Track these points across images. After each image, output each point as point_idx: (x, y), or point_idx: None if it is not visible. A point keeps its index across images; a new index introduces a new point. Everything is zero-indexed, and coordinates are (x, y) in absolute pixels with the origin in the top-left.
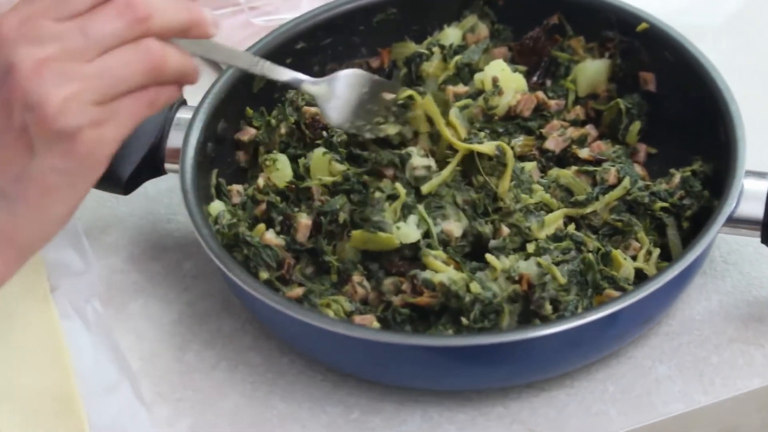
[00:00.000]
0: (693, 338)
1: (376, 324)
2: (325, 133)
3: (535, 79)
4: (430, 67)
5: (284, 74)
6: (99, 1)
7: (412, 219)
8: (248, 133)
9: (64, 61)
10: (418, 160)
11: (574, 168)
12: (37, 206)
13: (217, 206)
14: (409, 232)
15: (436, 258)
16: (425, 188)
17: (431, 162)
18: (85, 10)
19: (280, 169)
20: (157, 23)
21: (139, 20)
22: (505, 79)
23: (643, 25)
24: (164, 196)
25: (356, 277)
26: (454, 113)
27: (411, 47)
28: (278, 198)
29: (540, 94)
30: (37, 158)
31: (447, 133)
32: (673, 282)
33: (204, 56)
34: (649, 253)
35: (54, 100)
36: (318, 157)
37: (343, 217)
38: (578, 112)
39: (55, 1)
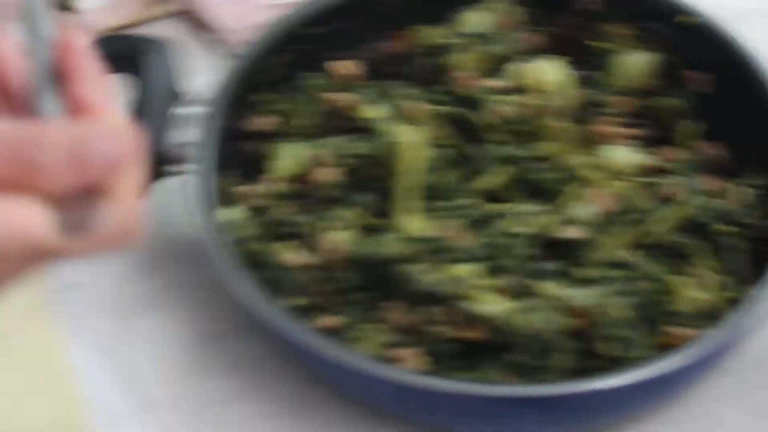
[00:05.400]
0: (765, 374)
1: (422, 359)
2: None
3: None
4: (457, 60)
5: None
6: None
7: None
8: (265, 123)
9: None
10: None
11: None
12: None
13: (229, 214)
14: None
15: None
16: None
17: None
18: None
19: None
20: None
21: None
22: (564, 84)
23: (693, 20)
24: (169, 198)
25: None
26: None
27: (428, 32)
28: (286, 206)
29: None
30: None
31: None
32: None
33: None
34: (713, 281)
35: None
36: None
37: None
38: (624, 103)
39: None
